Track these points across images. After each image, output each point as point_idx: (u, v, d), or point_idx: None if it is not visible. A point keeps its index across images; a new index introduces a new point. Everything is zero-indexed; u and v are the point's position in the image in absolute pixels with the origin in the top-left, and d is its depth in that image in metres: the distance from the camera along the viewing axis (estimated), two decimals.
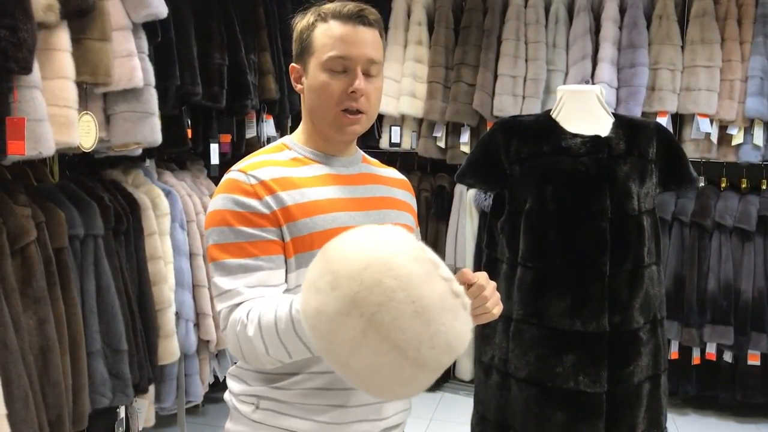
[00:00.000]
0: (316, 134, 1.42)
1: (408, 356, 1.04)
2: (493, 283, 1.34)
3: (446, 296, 1.07)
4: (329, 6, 1.38)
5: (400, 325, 1.03)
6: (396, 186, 1.54)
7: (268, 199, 1.31)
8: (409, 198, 1.57)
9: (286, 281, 1.32)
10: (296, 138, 1.46)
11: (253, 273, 1.27)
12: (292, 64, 1.44)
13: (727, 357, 3.81)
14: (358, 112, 1.37)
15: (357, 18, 1.35)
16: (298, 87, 1.44)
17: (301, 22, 1.41)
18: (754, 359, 3.76)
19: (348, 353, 1.07)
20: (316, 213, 1.33)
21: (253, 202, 1.31)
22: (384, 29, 1.45)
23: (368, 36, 1.36)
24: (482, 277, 1.33)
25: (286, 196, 1.32)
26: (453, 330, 1.07)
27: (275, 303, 1.22)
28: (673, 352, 3.85)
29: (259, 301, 1.25)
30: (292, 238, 1.31)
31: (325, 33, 1.36)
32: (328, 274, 1.09)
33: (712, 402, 3.97)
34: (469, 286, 1.33)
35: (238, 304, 1.27)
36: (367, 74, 1.36)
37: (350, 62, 1.35)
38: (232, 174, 1.35)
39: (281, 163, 1.38)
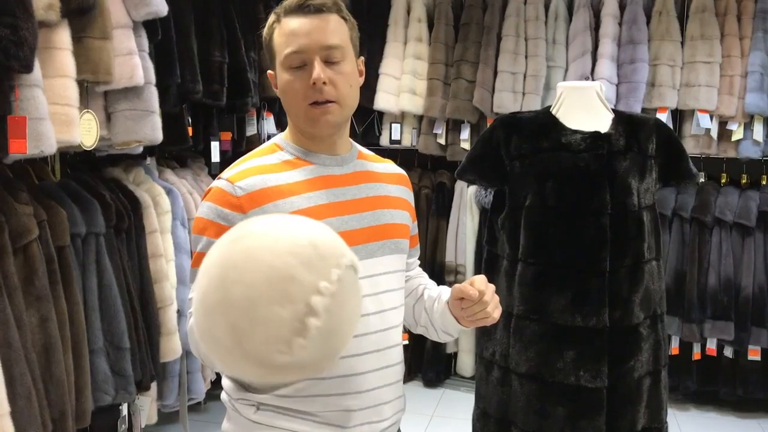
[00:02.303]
0: (301, 133, 1.40)
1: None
2: (492, 286, 1.36)
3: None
4: (283, 3, 1.36)
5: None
6: (392, 182, 1.50)
7: (253, 213, 1.29)
8: (405, 193, 1.53)
9: None
10: (286, 137, 1.43)
11: None
12: (268, 71, 1.43)
13: (728, 352, 3.82)
14: (327, 101, 1.33)
15: (306, 7, 1.32)
16: (277, 92, 1.41)
17: (265, 30, 1.40)
18: (754, 354, 3.76)
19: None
20: None
21: (237, 216, 1.29)
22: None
23: (322, 23, 1.32)
24: (480, 281, 1.34)
25: (272, 207, 1.30)
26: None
27: None
28: (674, 348, 3.85)
29: None
30: None
31: (280, 33, 1.34)
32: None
33: (713, 397, 3.98)
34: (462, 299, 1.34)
35: None
36: (329, 62, 1.32)
37: (306, 55, 1.31)
38: (220, 183, 1.34)
39: (271, 169, 1.36)
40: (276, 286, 0.99)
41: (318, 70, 1.30)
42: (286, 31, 1.33)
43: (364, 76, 1.44)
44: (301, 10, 1.32)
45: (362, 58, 1.44)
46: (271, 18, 1.38)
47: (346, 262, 1.05)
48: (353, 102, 1.39)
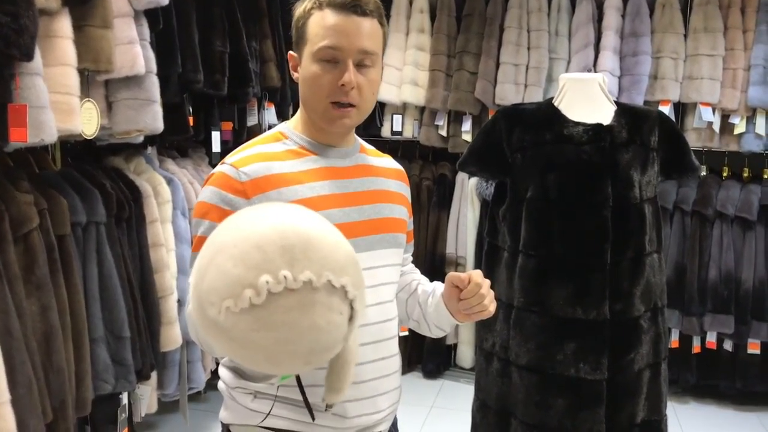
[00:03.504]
0: (311, 124, 1.39)
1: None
2: (488, 281, 1.36)
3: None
4: None
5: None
6: (391, 177, 1.51)
7: (256, 199, 1.29)
8: (403, 189, 1.54)
9: None
10: (293, 125, 1.43)
11: None
12: (290, 52, 1.41)
13: (728, 346, 3.82)
14: (349, 105, 1.33)
15: (352, 7, 1.30)
16: (294, 75, 1.40)
17: (298, 9, 1.37)
18: (754, 348, 3.77)
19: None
20: None
21: (240, 202, 1.29)
22: (386, 16, 1.41)
23: (363, 26, 1.31)
24: (477, 275, 1.35)
25: (276, 194, 1.30)
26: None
27: None
28: (674, 341, 3.86)
29: None
30: None
31: (319, 22, 1.32)
32: None
33: (712, 390, 3.99)
34: (460, 289, 1.34)
35: None
36: (360, 66, 1.32)
37: (342, 53, 1.30)
38: (224, 167, 1.33)
39: (275, 157, 1.35)
40: (243, 246, 1.01)
41: (350, 73, 1.30)
42: (326, 23, 1.31)
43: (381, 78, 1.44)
44: (346, 7, 1.30)
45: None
46: (310, 1, 1.34)
47: (331, 278, 1.02)
48: (370, 108, 1.39)
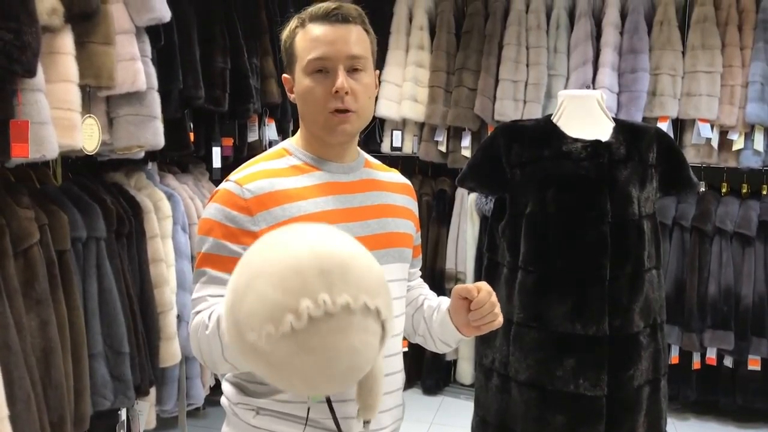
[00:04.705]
0: (313, 139, 1.40)
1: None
2: (494, 292, 1.36)
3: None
4: (308, 10, 1.37)
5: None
6: (397, 191, 1.51)
7: (260, 216, 1.30)
8: (410, 203, 1.54)
9: None
10: (296, 142, 1.44)
11: (224, 286, 1.16)
12: (284, 75, 1.43)
13: (728, 362, 3.81)
14: (347, 110, 1.34)
15: (333, 16, 1.33)
16: (291, 97, 1.42)
17: (285, 32, 1.40)
18: (754, 364, 3.75)
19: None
20: None
21: (244, 219, 1.30)
22: (372, 26, 1.40)
23: (348, 32, 1.34)
24: (484, 287, 1.34)
25: (280, 211, 1.30)
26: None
27: None
28: (674, 357, 3.85)
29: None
30: None
31: (304, 37, 1.35)
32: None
33: (713, 407, 3.97)
34: (469, 300, 1.34)
35: (201, 311, 1.27)
36: (351, 71, 1.34)
37: (330, 62, 1.32)
38: (228, 185, 1.34)
39: (279, 173, 1.36)
40: (282, 270, 1.01)
41: (342, 78, 1.32)
42: (310, 37, 1.34)
43: (378, 88, 1.45)
44: (327, 18, 1.33)
45: (378, 71, 1.45)
46: (294, 22, 1.38)
47: (366, 301, 1.03)
48: (369, 113, 1.40)
